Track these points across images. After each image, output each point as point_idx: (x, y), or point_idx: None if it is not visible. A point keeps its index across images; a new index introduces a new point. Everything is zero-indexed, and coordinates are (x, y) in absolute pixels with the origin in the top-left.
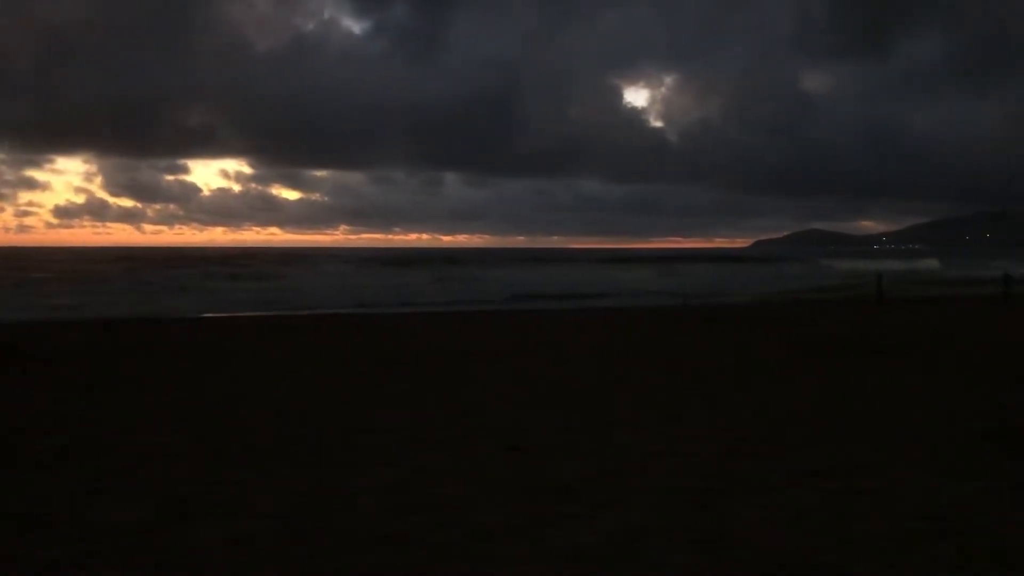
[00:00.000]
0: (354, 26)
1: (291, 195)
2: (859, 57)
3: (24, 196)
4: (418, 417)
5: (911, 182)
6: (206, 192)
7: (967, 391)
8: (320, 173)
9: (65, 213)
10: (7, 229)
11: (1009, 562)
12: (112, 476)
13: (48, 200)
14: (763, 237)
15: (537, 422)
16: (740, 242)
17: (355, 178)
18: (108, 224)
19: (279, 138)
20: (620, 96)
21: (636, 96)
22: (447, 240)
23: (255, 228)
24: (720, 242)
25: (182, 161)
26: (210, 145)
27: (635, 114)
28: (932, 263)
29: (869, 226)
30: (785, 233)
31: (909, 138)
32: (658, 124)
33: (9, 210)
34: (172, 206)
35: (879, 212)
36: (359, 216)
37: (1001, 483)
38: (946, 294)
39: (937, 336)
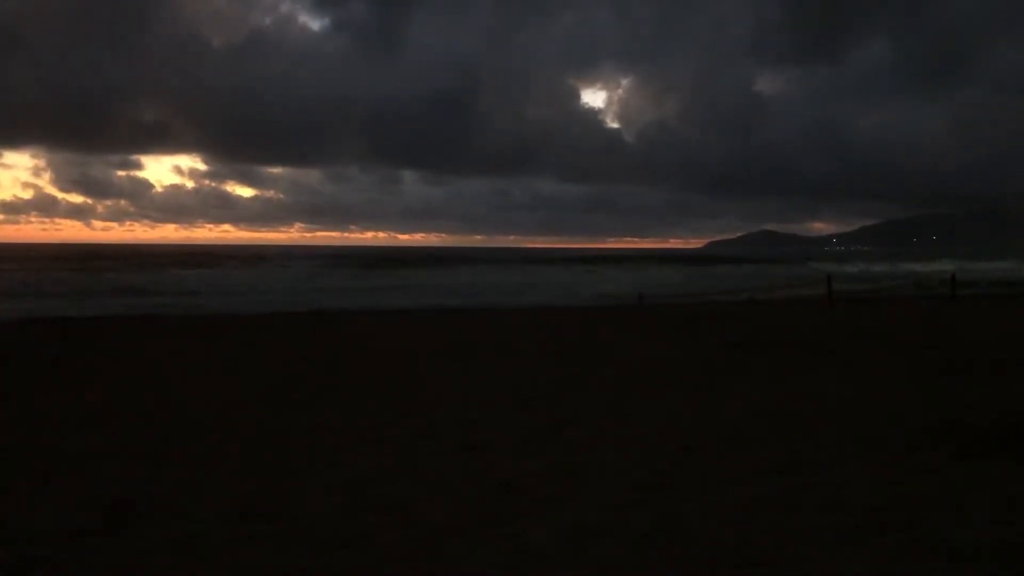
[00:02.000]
0: (312, 22)
1: (245, 192)
2: (812, 61)
3: None
4: (370, 417)
5: (861, 184)
6: (158, 188)
7: (912, 388)
8: (275, 170)
9: (11, 209)
10: None
11: (952, 556)
12: (48, 479)
13: None
14: (717, 238)
15: (491, 421)
16: (694, 242)
17: (311, 175)
18: (56, 220)
19: (234, 134)
20: (577, 97)
21: (593, 97)
22: (403, 239)
23: (208, 225)
24: (675, 243)
25: (135, 157)
26: (164, 141)
27: (592, 115)
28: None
29: (820, 227)
30: (738, 234)
31: (860, 141)
32: (614, 125)
33: None
34: (123, 202)
35: (830, 214)
36: (314, 214)
37: (946, 479)
38: (898, 294)
39: (884, 335)
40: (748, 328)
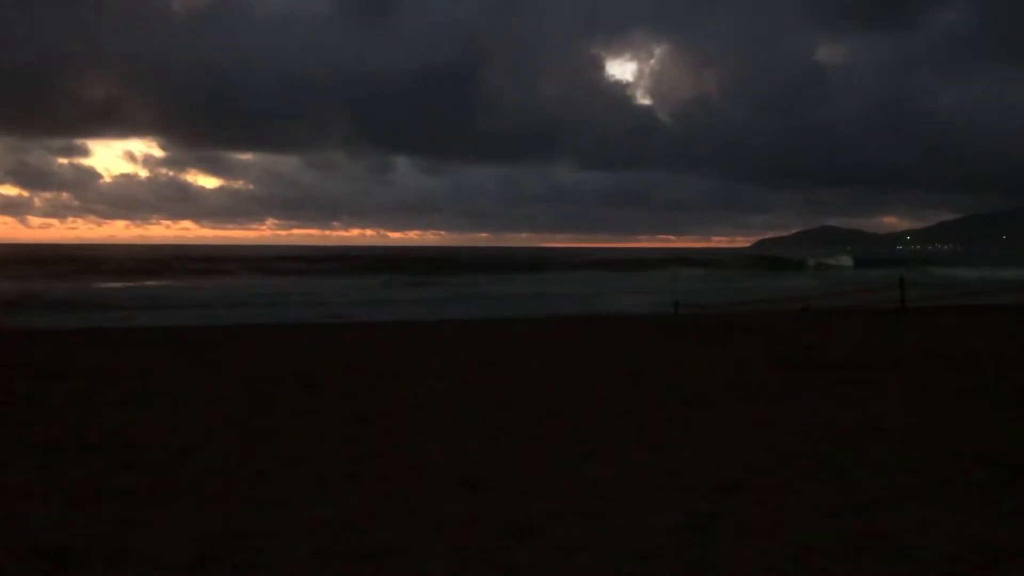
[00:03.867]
0: None
1: (209, 182)
2: (882, 25)
3: None
4: (353, 447)
5: (940, 172)
6: (107, 178)
7: (998, 416)
8: (245, 156)
9: None
10: None
11: None
12: None
13: None
14: (768, 235)
15: (495, 453)
16: (741, 241)
17: (287, 163)
18: None
19: (197, 114)
20: (602, 69)
21: (621, 69)
22: (395, 237)
23: (165, 222)
24: (718, 241)
25: (80, 141)
26: (114, 122)
27: (619, 90)
28: None
29: (892, 223)
30: (793, 231)
31: (939, 120)
32: (646, 102)
33: None
34: (65, 195)
35: (903, 207)
36: (290, 208)
37: None
38: (983, 303)
39: (966, 352)
40: (802, 342)
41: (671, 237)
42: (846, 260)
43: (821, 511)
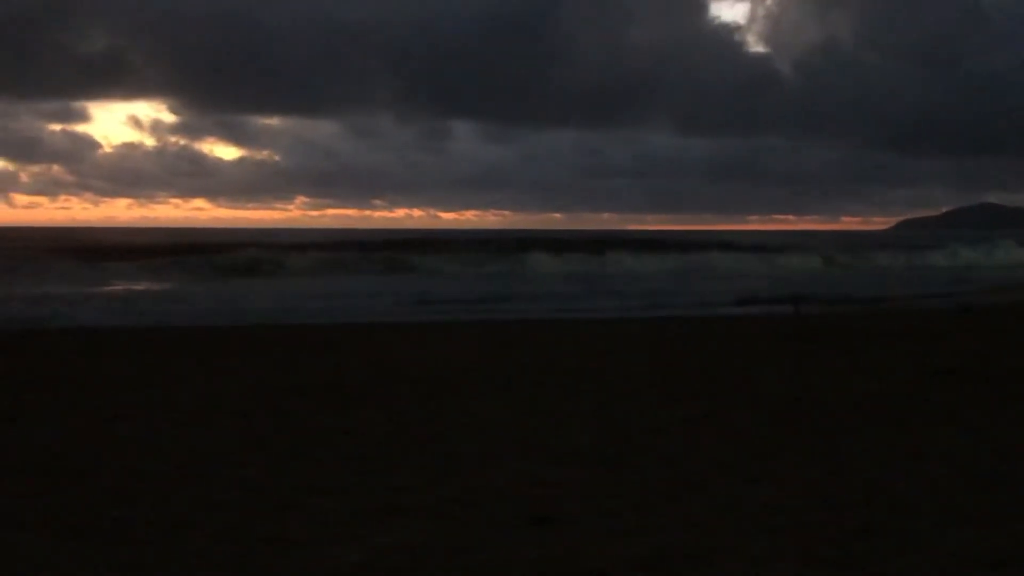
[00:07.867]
0: None
1: (228, 153)
2: None
3: None
4: (394, 473)
5: None
6: (107, 148)
7: None
8: (270, 121)
9: None
10: None
11: None
12: None
13: None
14: (911, 215)
15: (570, 483)
16: (878, 222)
17: (321, 129)
18: None
19: (215, 71)
20: (705, 9)
21: (730, 10)
22: (448, 218)
23: (174, 200)
24: (849, 222)
25: (76, 104)
26: (115, 82)
27: (727, 35)
28: None
29: None
30: (944, 209)
31: None
32: (761, 50)
33: None
34: (57, 168)
35: None
36: (324, 183)
37: None
38: None
39: None
40: (956, 349)
41: (790, 217)
42: None
43: (978, 561)
